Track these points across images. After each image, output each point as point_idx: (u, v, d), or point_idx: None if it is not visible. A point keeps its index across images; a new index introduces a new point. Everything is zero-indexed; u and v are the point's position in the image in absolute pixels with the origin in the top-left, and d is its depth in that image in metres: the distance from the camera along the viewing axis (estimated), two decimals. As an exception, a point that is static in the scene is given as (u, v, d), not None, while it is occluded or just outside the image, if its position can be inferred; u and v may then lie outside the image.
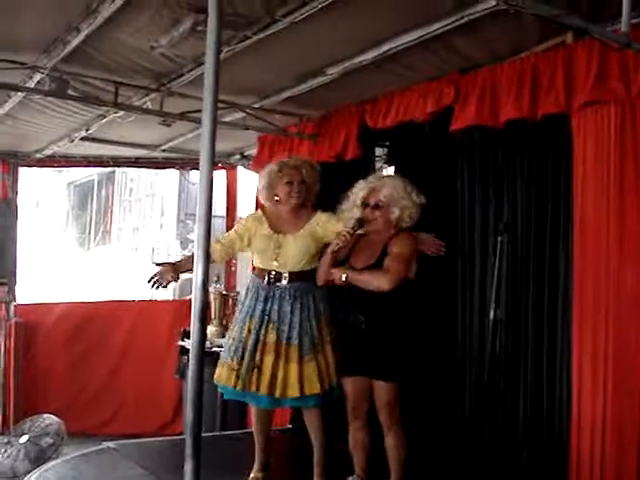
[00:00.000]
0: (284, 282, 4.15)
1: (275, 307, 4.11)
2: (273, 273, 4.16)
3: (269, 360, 4.04)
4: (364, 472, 4.05)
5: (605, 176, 3.76)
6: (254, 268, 4.31)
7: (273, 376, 4.03)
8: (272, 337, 4.07)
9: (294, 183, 4.22)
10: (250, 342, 4.08)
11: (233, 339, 4.16)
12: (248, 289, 4.26)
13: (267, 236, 4.22)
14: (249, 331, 4.10)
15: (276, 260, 4.16)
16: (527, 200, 4.52)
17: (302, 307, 4.12)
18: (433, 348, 5.01)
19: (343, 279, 3.87)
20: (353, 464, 4.10)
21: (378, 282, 3.79)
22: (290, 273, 4.15)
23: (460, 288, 5.04)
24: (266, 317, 4.10)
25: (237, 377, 4.06)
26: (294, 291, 4.14)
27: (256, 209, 6.11)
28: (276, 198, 4.28)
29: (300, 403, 4.17)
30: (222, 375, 4.15)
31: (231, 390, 4.14)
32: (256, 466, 4.30)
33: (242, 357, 4.07)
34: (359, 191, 4.04)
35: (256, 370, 4.04)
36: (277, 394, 4.04)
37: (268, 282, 4.16)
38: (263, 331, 4.09)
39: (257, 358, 4.05)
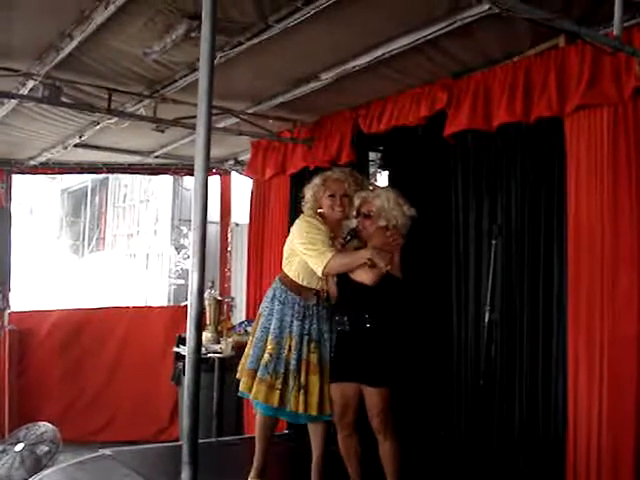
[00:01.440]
0: (324, 302, 4.13)
1: (315, 326, 4.07)
2: (320, 293, 4.11)
3: (315, 380, 4.01)
4: (359, 478, 4.04)
5: (598, 179, 3.77)
6: (290, 282, 4.14)
7: (321, 396, 4.01)
8: (315, 357, 4.05)
9: (336, 196, 4.15)
10: (293, 361, 4.01)
11: (270, 355, 4.00)
12: (277, 302, 4.12)
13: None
14: (289, 349, 4.01)
15: (322, 279, 4.10)
16: (521, 203, 4.53)
17: (332, 326, 4.12)
18: (427, 351, 5.03)
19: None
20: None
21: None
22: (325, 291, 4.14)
23: (455, 291, 5.05)
24: (306, 336, 4.05)
25: (280, 397, 3.97)
26: (327, 310, 4.13)
27: (252, 214, 6.11)
28: (320, 210, 4.18)
29: (325, 417, 4.14)
30: (260, 392, 3.99)
31: (270, 407, 4.05)
32: (254, 472, 4.27)
33: (285, 376, 3.99)
34: (355, 201, 4.09)
35: (302, 391, 3.99)
36: (318, 412, 4.03)
37: (317, 303, 4.10)
38: (305, 350, 4.04)
39: (302, 378, 4.00)
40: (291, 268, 4.15)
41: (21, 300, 8.92)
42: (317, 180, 4.25)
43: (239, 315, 7.47)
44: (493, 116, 4.27)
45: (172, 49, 4.00)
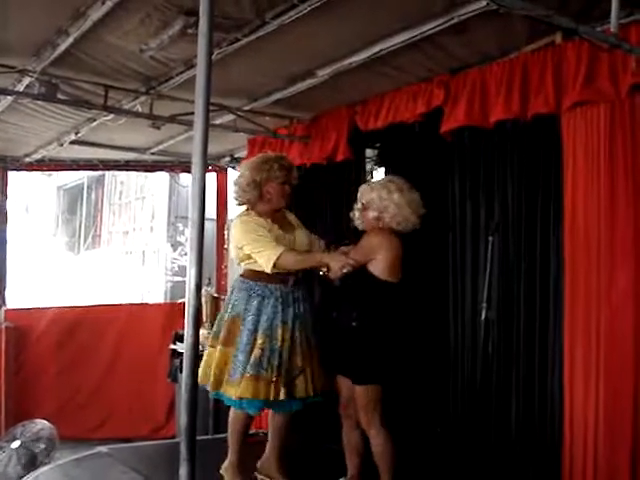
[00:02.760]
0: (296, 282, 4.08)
1: (301, 309, 4.03)
2: (293, 274, 4.03)
3: (307, 363, 3.99)
4: (357, 473, 4.05)
5: (595, 176, 3.77)
6: (263, 275, 3.96)
7: (318, 377, 4.01)
8: (304, 340, 4.01)
9: (286, 185, 4.14)
10: (285, 350, 3.93)
11: (262, 350, 3.87)
12: (256, 298, 3.97)
13: (281, 236, 4.03)
14: (283, 340, 3.93)
15: None
16: (518, 200, 4.52)
17: (310, 307, 4.13)
18: (424, 348, 5.02)
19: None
20: (346, 464, 4.10)
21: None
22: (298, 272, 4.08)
23: (451, 288, 5.05)
24: (297, 321, 3.99)
25: (276, 388, 3.87)
26: (302, 290, 4.10)
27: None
28: (268, 196, 4.09)
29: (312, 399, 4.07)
30: (259, 389, 3.85)
31: (259, 403, 3.93)
32: (233, 469, 4.19)
33: (279, 366, 3.90)
34: (358, 193, 4.11)
35: (302, 376, 3.95)
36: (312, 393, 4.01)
37: (294, 284, 4.03)
38: (297, 335, 3.99)
39: (299, 364, 3.95)
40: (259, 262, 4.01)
41: (17, 297, 8.92)
42: (267, 164, 4.12)
43: (235, 312, 7.45)
44: (490, 113, 4.27)
45: (169, 45, 4.00)
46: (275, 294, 3.98)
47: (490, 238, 4.42)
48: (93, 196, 15.20)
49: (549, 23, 3.25)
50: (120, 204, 14.21)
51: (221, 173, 8.00)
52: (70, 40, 3.98)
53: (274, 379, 3.87)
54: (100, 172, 13.04)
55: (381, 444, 3.87)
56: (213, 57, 3.77)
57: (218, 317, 4.19)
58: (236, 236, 4.05)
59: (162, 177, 11.66)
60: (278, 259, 3.84)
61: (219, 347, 3.99)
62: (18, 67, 4.52)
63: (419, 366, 5.02)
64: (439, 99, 4.54)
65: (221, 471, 4.15)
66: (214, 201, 8.13)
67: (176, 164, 7.80)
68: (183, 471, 2.33)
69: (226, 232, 8.17)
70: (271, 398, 3.88)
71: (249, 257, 4.01)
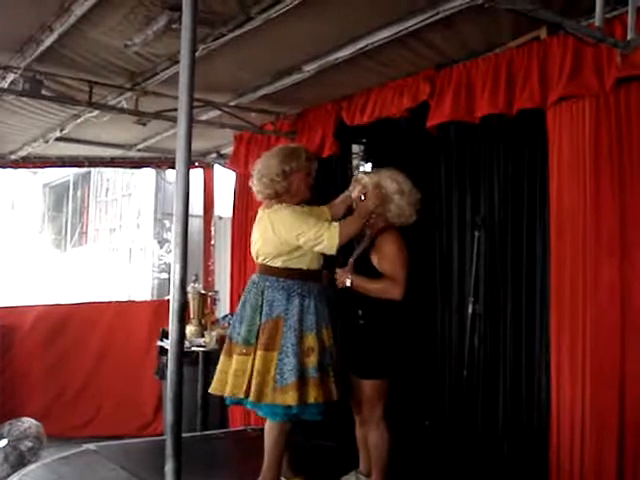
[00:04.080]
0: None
1: (331, 307, 3.94)
2: (325, 272, 3.95)
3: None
4: (367, 467, 4.09)
5: (581, 170, 3.78)
6: (304, 272, 3.86)
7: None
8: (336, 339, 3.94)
9: (310, 177, 4.01)
10: (333, 349, 3.86)
11: (315, 351, 3.75)
12: (297, 298, 3.80)
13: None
14: (329, 338, 3.85)
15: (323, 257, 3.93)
16: (503, 195, 4.54)
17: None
18: (411, 343, 5.03)
19: (347, 284, 3.87)
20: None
21: (391, 294, 3.85)
22: None
23: (438, 283, 5.06)
24: (333, 320, 3.91)
25: (337, 389, 3.81)
26: (330, 288, 4.00)
27: (235, 207, 6.05)
28: (296, 188, 3.93)
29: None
30: (321, 391, 3.74)
31: (323, 406, 3.81)
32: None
33: (334, 366, 3.82)
34: (353, 182, 4.12)
35: (336, 377, 3.86)
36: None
37: (331, 282, 3.94)
38: (334, 334, 3.91)
39: (336, 364, 3.87)
40: (303, 260, 3.86)
41: (3, 295, 8.88)
42: (292, 154, 3.97)
43: (223, 308, 7.46)
44: (476, 108, 4.27)
45: (153, 41, 3.97)
46: (314, 292, 3.86)
47: (476, 233, 4.44)
48: (79, 193, 15.12)
49: (534, 17, 3.26)
50: (106, 201, 14.14)
51: (208, 169, 7.98)
52: (54, 36, 3.94)
53: (333, 379, 3.80)
54: (86, 169, 12.99)
55: (379, 437, 3.93)
56: (198, 53, 3.80)
57: (245, 323, 3.86)
58: (285, 229, 3.81)
59: (148, 174, 11.63)
60: (340, 235, 3.74)
61: (259, 352, 3.75)
62: (2, 64, 4.49)
63: (407, 360, 5.03)
64: (425, 94, 4.54)
65: None
66: (201, 197, 8.12)
67: (162, 160, 7.76)
68: (169, 467, 2.33)
69: (213, 228, 8.17)
70: (334, 399, 3.80)
71: (295, 250, 3.82)
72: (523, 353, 4.39)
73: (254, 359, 3.76)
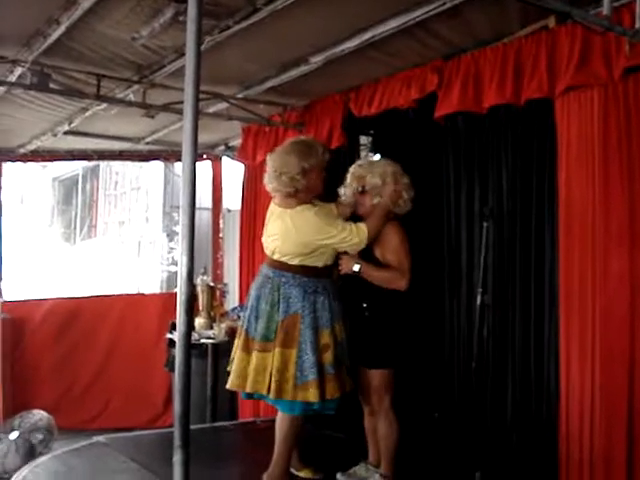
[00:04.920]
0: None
1: (341, 302, 3.94)
2: (335, 268, 3.95)
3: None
4: (376, 458, 4.10)
5: (589, 160, 3.77)
6: (318, 269, 3.87)
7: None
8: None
9: (324, 171, 3.98)
10: (345, 343, 3.88)
11: (331, 347, 3.78)
12: (311, 296, 3.81)
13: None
14: (341, 332, 3.87)
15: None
16: (512, 185, 4.52)
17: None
18: (420, 334, 5.03)
19: (355, 269, 3.86)
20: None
21: (397, 284, 3.88)
22: None
23: (447, 274, 5.05)
24: (343, 314, 3.92)
25: (349, 381, 3.87)
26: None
27: (244, 200, 6.04)
28: (312, 184, 3.89)
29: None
30: (338, 386, 3.79)
31: (339, 400, 3.84)
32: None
33: (342, 361, 3.86)
34: (351, 176, 4.08)
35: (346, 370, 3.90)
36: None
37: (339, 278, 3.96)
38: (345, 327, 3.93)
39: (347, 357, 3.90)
40: (321, 259, 3.87)
41: (14, 289, 8.91)
42: (311, 150, 3.91)
43: (232, 301, 7.47)
44: (483, 98, 4.26)
45: (160, 33, 3.97)
46: (327, 288, 3.86)
47: (485, 224, 4.42)
48: (88, 187, 15.16)
49: (542, 6, 3.24)
50: (115, 194, 14.18)
51: (216, 162, 7.98)
52: (61, 29, 3.94)
53: (345, 372, 3.84)
54: (95, 163, 13.02)
55: (388, 427, 3.95)
56: (205, 45, 3.80)
57: (263, 319, 3.84)
58: (312, 232, 3.80)
59: (157, 167, 11.65)
60: (368, 238, 3.80)
61: (277, 349, 3.76)
62: (9, 57, 4.49)
63: (415, 352, 5.03)
64: (433, 85, 4.53)
65: None
66: (209, 190, 8.12)
67: (171, 153, 7.76)
68: (177, 458, 2.33)
69: (221, 221, 8.17)
70: (348, 390, 3.85)
71: (315, 251, 3.82)
72: (532, 344, 4.38)
73: (275, 355, 3.77)
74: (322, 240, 3.80)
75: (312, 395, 3.70)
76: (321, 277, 3.87)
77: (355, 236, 3.78)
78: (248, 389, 3.83)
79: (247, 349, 3.89)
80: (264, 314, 3.84)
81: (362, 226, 3.81)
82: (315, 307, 3.80)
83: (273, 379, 3.73)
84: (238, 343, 3.97)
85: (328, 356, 3.77)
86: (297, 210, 3.85)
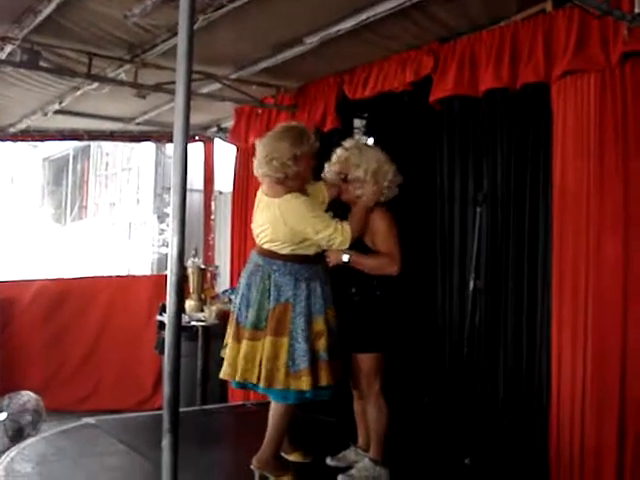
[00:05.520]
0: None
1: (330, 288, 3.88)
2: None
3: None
4: (365, 442, 4.09)
5: (585, 145, 3.75)
6: (309, 257, 3.81)
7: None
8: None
9: (314, 158, 3.90)
10: (336, 330, 3.82)
11: (323, 334, 3.73)
12: (303, 283, 3.75)
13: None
14: (332, 318, 3.80)
15: None
16: (506, 170, 4.50)
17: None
18: (413, 319, 5.02)
19: (345, 260, 3.83)
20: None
21: (389, 270, 3.85)
22: None
23: (440, 259, 5.04)
24: (333, 300, 3.86)
25: (337, 369, 3.81)
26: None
27: (236, 182, 5.99)
28: (303, 171, 3.80)
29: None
30: (331, 374, 3.74)
31: (332, 387, 3.80)
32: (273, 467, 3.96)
33: (335, 346, 3.81)
34: (337, 158, 4.02)
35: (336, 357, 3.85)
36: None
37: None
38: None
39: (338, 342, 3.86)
40: (312, 247, 3.80)
41: (3, 269, 8.87)
42: (302, 136, 3.81)
43: (223, 283, 7.45)
44: (479, 82, 4.23)
45: (153, 11, 3.92)
46: (319, 275, 3.81)
47: (478, 209, 4.41)
48: (79, 167, 15.07)
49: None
50: (106, 175, 14.10)
51: (208, 143, 7.94)
52: (52, 6, 3.89)
53: (337, 358, 3.80)
54: (85, 143, 12.95)
55: (378, 410, 3.93)
56: (198, 23, 3.75)
57: (254, 307, 3.78)
58: (298, 222, 3.73)
59: (148, 148, 11.59)
60: (352, 237, 3.75)
61: (268, 338, 3.69)
62: (-1, 34, 4.44)
63: (407, 336, 5.02)
64: (428, 68, 4.50)
65: (255, 466, 3.84)
66: (201, 172, 8.08)
67: (162, 134, 7.71)
68: (166, 441, 2.30)
69: (213, 203, 8.14)
70: (339, 375, 3.81)
71: (305, 240, 3.77)
72: (524, 330, 4.37)
73: (265, 344, 3.72)
74: (307, 232, 3.74)
75: (305, 383, 3.67)
76: (312, 263, 3.82)
77: (339, 235, 3.73)
78: (238, 377, 3.80)
79: (237, 338, 3.85)
80: (255, 302, 3.80)
81: (347, 227, 3.76)
82: (307, 294, 3.75)
83: (263, 368, 3.68)
84: (230, 332, 3.95)
85: (322, 342, 3.73)
86: (285, 199, 3.78)
